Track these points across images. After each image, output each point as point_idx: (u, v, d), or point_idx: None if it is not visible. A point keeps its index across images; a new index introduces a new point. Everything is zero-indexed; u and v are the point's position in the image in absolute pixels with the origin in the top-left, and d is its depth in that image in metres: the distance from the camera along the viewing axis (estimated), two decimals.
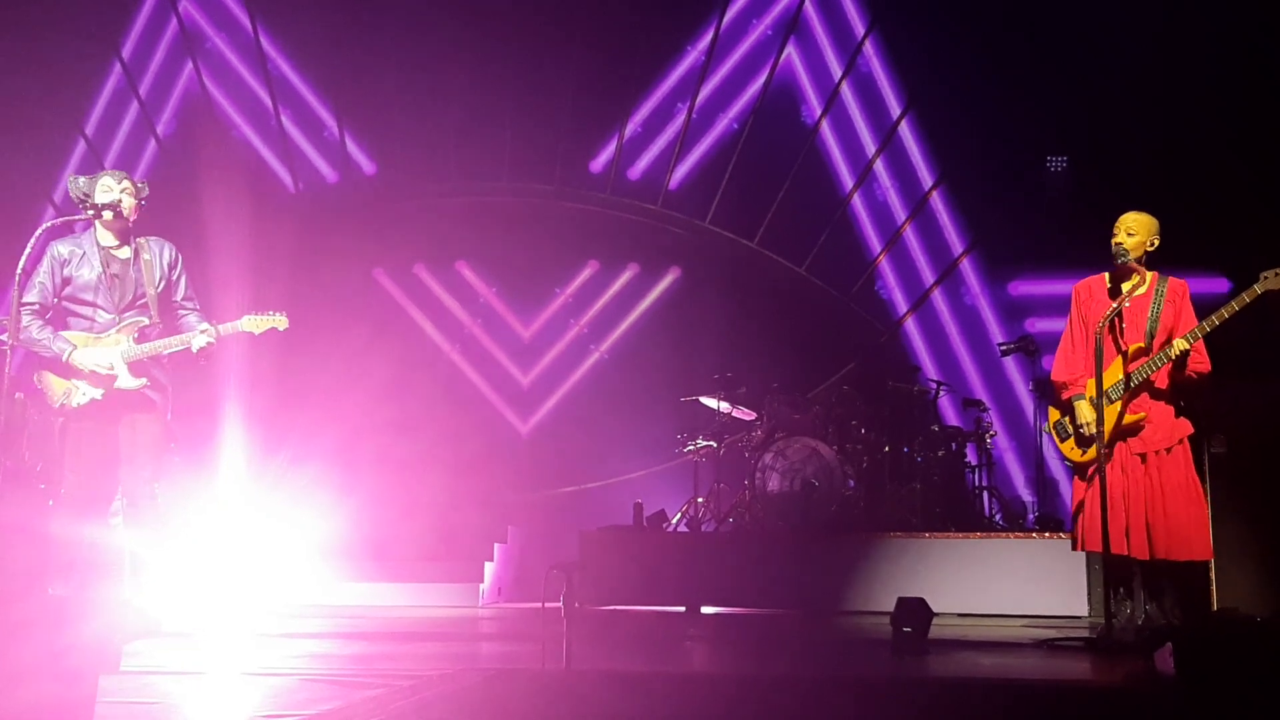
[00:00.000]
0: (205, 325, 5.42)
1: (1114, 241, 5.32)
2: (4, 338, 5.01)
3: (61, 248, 5.34)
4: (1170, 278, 5.36)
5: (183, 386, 5.77)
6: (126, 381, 5.29)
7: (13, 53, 10.25)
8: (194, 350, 5.38)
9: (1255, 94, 9.25)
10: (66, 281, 5.30)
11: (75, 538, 5.23)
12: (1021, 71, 9.82)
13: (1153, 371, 5.19)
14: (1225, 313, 5.04)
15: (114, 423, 5.33)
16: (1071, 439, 5.38)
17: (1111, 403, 5.20)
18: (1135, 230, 5.32)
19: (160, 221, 10.04)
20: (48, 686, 2.87)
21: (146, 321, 5.41)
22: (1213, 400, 6.00)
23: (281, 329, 5.54)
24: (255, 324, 5.50)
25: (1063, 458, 5.58)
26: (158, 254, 5.51)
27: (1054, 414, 5.53)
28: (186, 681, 4.08)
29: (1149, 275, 5.34)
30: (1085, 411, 5.27)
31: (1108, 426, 5.16)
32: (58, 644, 2.95)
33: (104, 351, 5.28)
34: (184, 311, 5.54)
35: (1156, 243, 5.37)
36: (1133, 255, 5.28)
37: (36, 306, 5.27)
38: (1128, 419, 5.21)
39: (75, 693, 2.94)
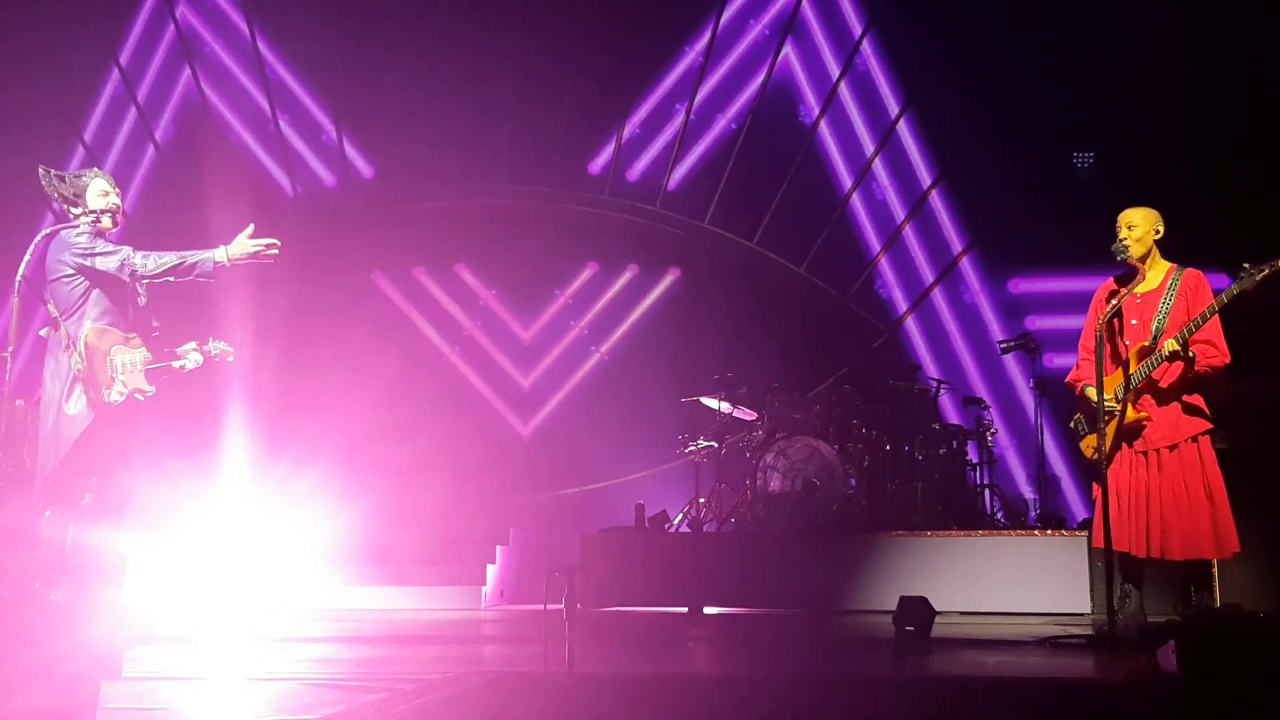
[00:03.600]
0: (195, 344, 5.40)
1: (1119, 240, 5.30)
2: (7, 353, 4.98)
3: (84, 234, 5.13)
4: (1187, 269, 5.29)
5: (186, 391, 5.78)
6: (145, 386, 5.26)
7: (11, 59, 10.26)
8: (187, 369, 5.38)
9: (1256, 91, 9.24)
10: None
11: (82, 542, 5.19)
12: (1020, 68, 9.83)
13: (1152, 370, 5.18)
14: (1208, 312, 5.03)
15: (125, 429, 5.28)
16: (1090, 436, 5.36)
17: (1119, 402, 5.20)
18: (1135, 223, 5.30)
19: (159, 227, 10.07)
20: (49, 692, 2.87)
21: (155, 327, 5.40)
22: (1215, 397, 6.01)
23: (230, 359, 5.60)
24: (215, 349, 5.52)
25: (1082, 456, 5.58)
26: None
27: (1076, 414, 5.55)
28: (189, 687, 4.08)
29: (1163, 268, 5.30)
30: (1094, 391, 5.29)
31: (1114, 426, 5.16)
32: (58, 649, 2.95)
33: (135, 354, 5.22)
34: None
35: (1161, 229, 5.32)
36: (1139, 249, 5.26)
37: (130, 248, 5.10)
38: (1130, 418, 5.20)
39: (77, 698, 2.94)
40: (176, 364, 5.34)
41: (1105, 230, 5.42)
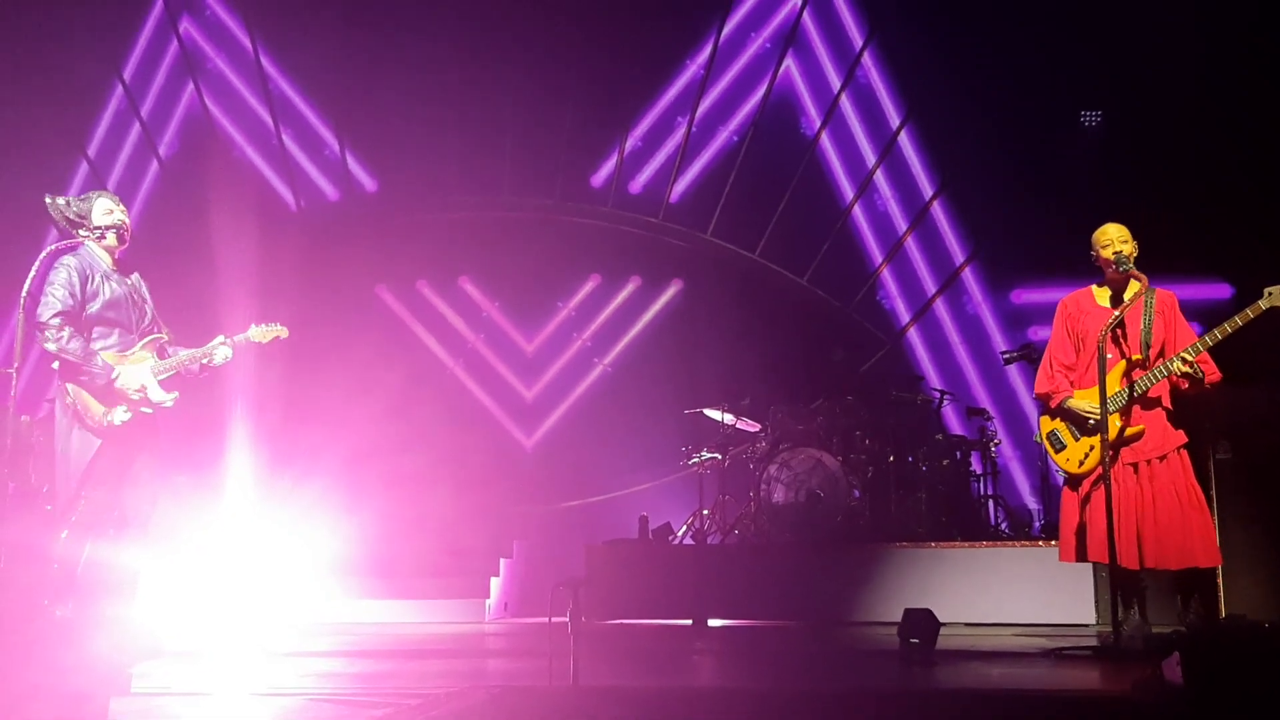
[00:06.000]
0: (223, 338, 5.42)
1: (1112, 252, 5.35)
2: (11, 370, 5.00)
3: (75, 260, 5.16)
4: (1158, 289, 5.39)
5: (190, 404, 5.78)
6: (159, 395, 5.26)
7: (14, 74, 10.28)
8: (216, 364, 5.38)
9: (1255, 98, 9.24)
10: (92, 296, 5.16)
11: (94, 559, 5.21)
12: (1021, 77, 9.83)
13: (1151, 384, 5.22)
14: (1228, 327, 5.08)
15: (138, 444, 5.29)
16: (1066, 449, 5.40)
17: (1111, 413, 5.21)
18: (1127, 239, 5.40)
19: (163, 241, 10.09)
20: (58, 707, 2.88)
21: (165, 337, 5.41)
22: (1217, 405, 6.04)
23: (283, 337, 5.64)
24: (262, 334, 5.56)
25: (1057, 469, 5.56)
26: (141, 281, 5.49)
27: (1045, 425, 5.53)
28: (195, 702, 4.09)
29: (1137, 285, 5.37)
30: (1084, 402, 5.28)
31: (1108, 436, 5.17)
32: (66, 665, 2.96)
33: (135, 370, 5.23)
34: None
35: (1137, 248, 5.45)
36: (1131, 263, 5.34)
37: (67, 313, 5.09)
38: (1129, 430, 5.23)
39: (85, 713, 2.95)
40: (204, 360, 5.36)
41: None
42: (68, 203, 5.30)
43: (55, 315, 5.07)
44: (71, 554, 5.07)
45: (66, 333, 5.07)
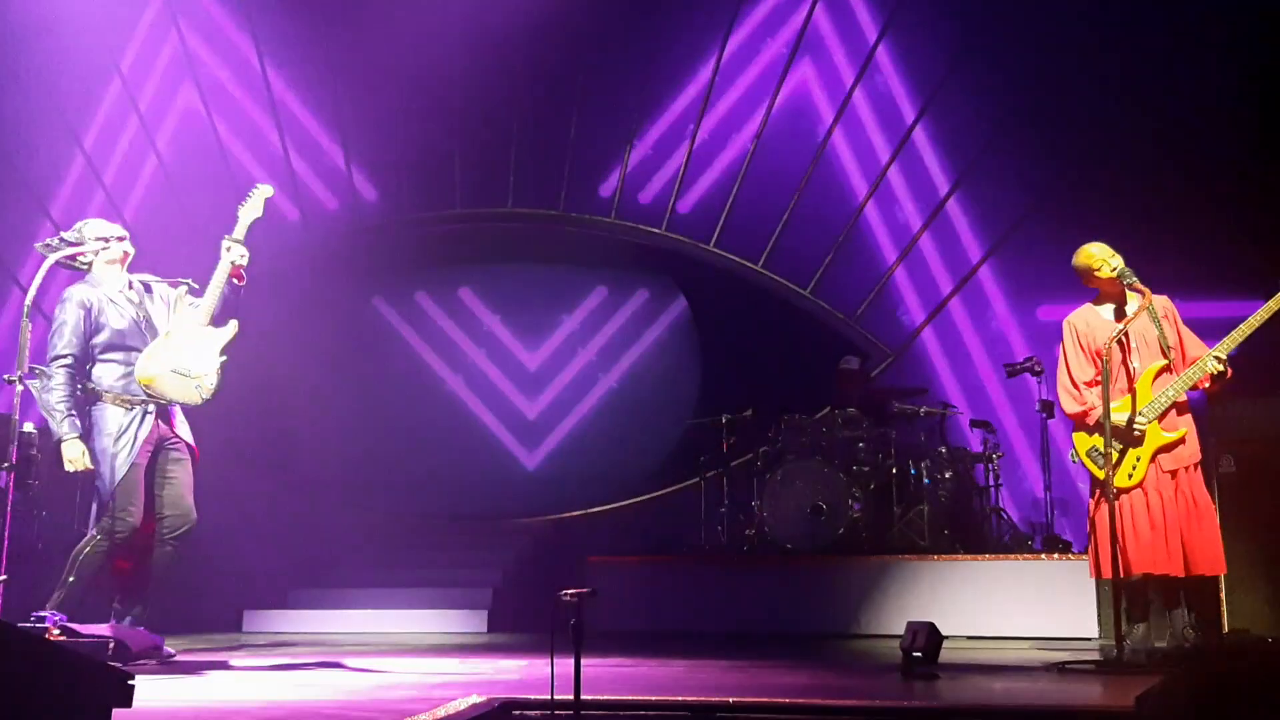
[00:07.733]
0: (226, 241, 5.38)
1: (1110, 269, 5.41)
2: (12, 377, 5.01)
3: (82, 294, 5.21)
4: (1156, 295, 5.41)
5: (190, 415, 5.77)
6: (224, 336, 5.29)
7: (13, 71, 10.26)
8: (239, 263, 5.35)
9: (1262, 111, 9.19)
10: (97, 330, 5.19)
11: (117, 568, 5.25)
12: (1038, 92, 9.73)
13: (1187, 386, 5.26)
14: (1255, 321, 5.14)
15: (169, 467, 5.34)
16: (1120, 461, 5.32)
17: (1149, 422, 5.24)
18: (1114, 252, 5.45)
19: (159, 245, 10.06)
20: (57, 717, 2.87)
21: (185, 287, 5.44)
22: (1229, 416, 6.06)
23: (270, 195, 5.59)
24: (253, 209, 5.48)
25: (1097, 481, 5.46)
26: (145, 284, 5.50)
27: (1084, 441, 5.44)
28: (195, 711, 4.07)
29: (1134, 294, 5.39)
30: (1123, 413, 5.25)
31: (1148, 447, 5.22)
32: (66, 673, 2.95)
33: (177, 342, 5.22)
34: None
35: None
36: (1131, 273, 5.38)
37: (70, 361, 5.14)
38: (1169, 437, 5.25)
39: None
40: (229, 268, 5.33)
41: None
42: (61, 238, 5.36)
43: (59, 361, 5.11)
44: (93, 565, 5.10)
45: (59, 380, 5.10)
